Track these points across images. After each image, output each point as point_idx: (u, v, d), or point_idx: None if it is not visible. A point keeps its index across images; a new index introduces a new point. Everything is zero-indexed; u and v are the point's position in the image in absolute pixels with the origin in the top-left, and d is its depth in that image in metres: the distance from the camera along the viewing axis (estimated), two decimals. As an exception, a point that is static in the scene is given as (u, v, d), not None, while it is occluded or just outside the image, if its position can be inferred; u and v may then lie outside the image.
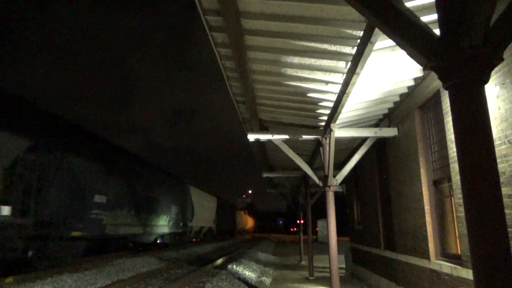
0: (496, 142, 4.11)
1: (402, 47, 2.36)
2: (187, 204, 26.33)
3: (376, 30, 3.85)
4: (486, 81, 2.12)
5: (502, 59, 2.12)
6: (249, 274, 12.49)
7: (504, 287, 1.86)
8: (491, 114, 4.14)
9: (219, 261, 15.89)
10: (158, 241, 21.50)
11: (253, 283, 10.72)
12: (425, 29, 2.23)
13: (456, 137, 2.15)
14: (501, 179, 3.96)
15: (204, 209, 31.25)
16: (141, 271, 12.72)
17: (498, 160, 3.42)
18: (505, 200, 3.87)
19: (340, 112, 6.29)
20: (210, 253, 22.20)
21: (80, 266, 12.78)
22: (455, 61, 2.10)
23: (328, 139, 7.39)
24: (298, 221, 20.06)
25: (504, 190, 3.93)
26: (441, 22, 2.23)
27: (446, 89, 2.21)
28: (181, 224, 24.51)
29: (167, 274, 12.51)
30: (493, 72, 2.93)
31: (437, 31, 2.24)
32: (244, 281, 10.87)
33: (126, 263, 14.42)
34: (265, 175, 13.91)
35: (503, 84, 4.08)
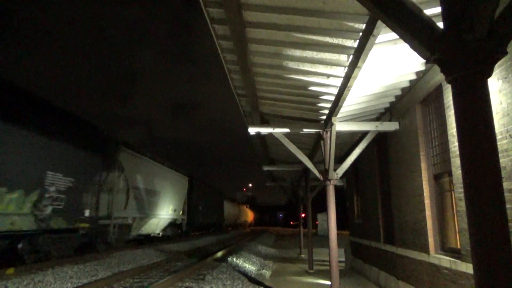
0: (498, 137, 4.11)
1: (405, 40, 2.34)
2: (113, 179, 14.77)
3: (379, 23, 3.82)
4: (489, 75, 2.11)
5: (506, 53, 2.10)
6: (249, 266, 12.56)
7: (504, 281, 1.86)
8: (492, 109, 4.13)
9: (219, 253, 15.98)
10: (19, 246, 10.44)
11: (253, 275, 10.78)
12: (428, 22, 2.21)
13: (458, 131, 2.15)
14: (502, 174, 3.96)
15: (157, 191, 19.84)
16: (141, 263, 12.80)
17: (499, 155, 3.41)
18: (506, 194, 3.87)
19: (341, 106, 6.27)
20: (210, 245, 22.31)
21: (81, 258, 12.86)
22: (459, 54, 2.08)
23: (329, 132, 7.38)
24: (298, 215, 20.13)
25: (505, 185, 3.93)
26: (444, 15, 2.21)
27: (448, 82, 2.20)
28: (86, 214, 12.76)
29: (167, 266, 12.59)
30: (495, 66, 2.90)
31: (440, 25, 2.22)
32: (244, 273, 10.93)
33: (127, 255, 14.51)
34: (265, 168, 13.93)
35: (505, 78, 4.06)
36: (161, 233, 22.58)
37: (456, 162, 5.16)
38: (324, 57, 5.09)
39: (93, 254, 13.97)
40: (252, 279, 9.99)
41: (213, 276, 9.93)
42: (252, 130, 7.82)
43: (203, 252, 17.72)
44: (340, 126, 7.54)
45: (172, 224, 23.72)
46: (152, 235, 21.51)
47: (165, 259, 13.96)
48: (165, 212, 21.50)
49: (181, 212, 25.08)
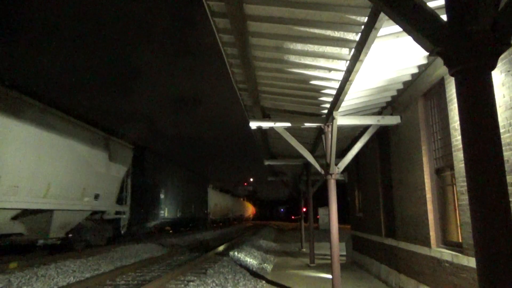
0: (500, 130, 4.08)
1: (408, 33, 2.32)
2: None
3: (381, 15, 3.78)
4: (493, 67, 2.09)
5: (510, 45, 2.08)
6: (250, 260, 12.61)
7: (507, 275, 1.86)
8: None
9: (221, 248, 16.04)
10: None
11: (254, 269, 10.83)
12: (432, 14, 2.19)
13: (461, 124, 2.13)
14: (505, 167, 3.94)
15: (39, 155, 10.81)
16: (143, 257, 12.87)
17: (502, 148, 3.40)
18: (509, 188, 3.86)
19: (342, 100, 6.25)
20: (212, 239, 22.39)
21: (83, 252, 12.92)
22: (462, 46, 2.06)
23: (330, 127, 7.36)
24: (299, 209, 20.16)
25: (509, 178, 3.91)
26: (448, 7, 2.19)
27: (452, 75, 2.18)
28: None
29: (169, 260, 12.65)
30: (498, 59, 2.87)
31: (444, 17, 2.20)
32: (246, 267, 10.98)
33: (129, 249, 14.59)
34: (267, 163, 13.92)
35: (508, 71, 4.03)
36: (69, 236, 12.90)
37: (458, 156, 5.14)
38: (325, 51, 5.05)
39: (95, 248, 14.02)
40: (253, 273, 10.03)
41: (215, 270, 9.98)
42: (253, 125, 7.81)
43: (205, 246, 17.79)
44: (342, 120, 7.52)
45: (97, 221, 14.65)
46: (39, 242, 11.86)
47: (167, 253, 14.03)
48: (71, 199, 12.25)
49: (115, 201, 15.36)
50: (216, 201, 38.10)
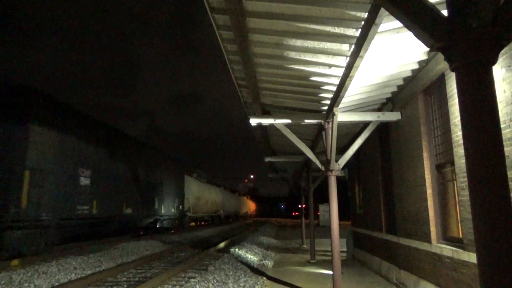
0: (501, 126, 4.08)
1: (409, 28, 2.32)
2: None
3: (381, 11, 3.77)
4: (494, 62, 2.08)
5: (510, 40, 2.07)
6: (251, 257, 12.64)
7: (508, 270, 1.86)
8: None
9: (222, 244, 16.08)
10: None
11: (255, 266, 10.86)
12: (432, 9, 2.18)
13: (462, 120, 2.12)
14: (506, 163, 3.93)
15: None
16: (144, 254, 12.90)
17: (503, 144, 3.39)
18: (510, 183, 3.85)
19: (343, 96, 6.24)
20: (212, 236, 22.44)
21: (85, 249, 12.95)
22: (463, 41, 2.05)
23: (330, 123, 7.36)
24: (300, 206, 20.18)
25: (509, 174, 3.91)
26: (448, 2, 2.18)
27: (452, 70, 2.17)
28: None
29: (170, 257, 12.69)
30: (499, 54, 2.86)
31: (445, 12, 2.19)
32: (247, 264, 11.01)
33: (130, 246, 14.62)
34: (267, 159, 13.93)
35: (509, 66, 4.02)
36: None
37: (458, 151, 5.14)
38: (325, 47, 5.04)
39: (96, 245, 14.06)
40: (254, 270, 10.06)
41: (216, 267, 10.00)
42: (254, 121, 7.80)
43: (206, 243, 17.83)
44: (342, 116, 7.51)
45: None
46: None
47: (168, 250, 14.06)
48: None
49: None
50: (199, 194, 29.92)
